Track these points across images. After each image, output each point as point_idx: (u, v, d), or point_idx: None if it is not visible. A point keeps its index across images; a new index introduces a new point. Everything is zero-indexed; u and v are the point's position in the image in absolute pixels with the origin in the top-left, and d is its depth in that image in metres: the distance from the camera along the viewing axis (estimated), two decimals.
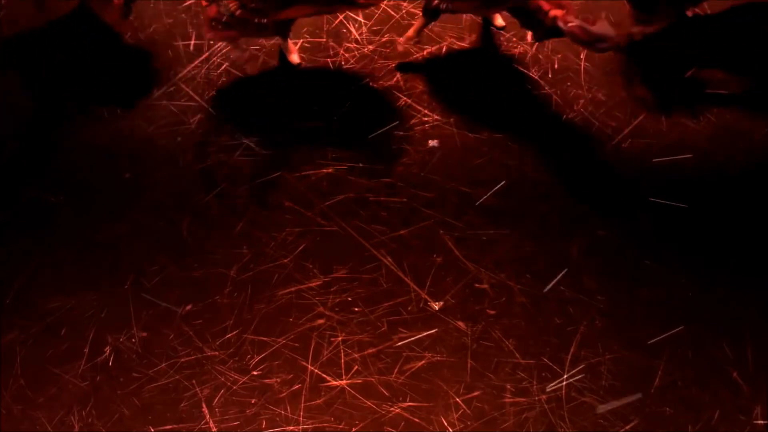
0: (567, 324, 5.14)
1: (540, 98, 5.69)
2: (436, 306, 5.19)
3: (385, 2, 5.85)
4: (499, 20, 5.93)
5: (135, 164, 5.52)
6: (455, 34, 5.94)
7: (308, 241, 5.34)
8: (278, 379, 5.03)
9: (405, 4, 5.97)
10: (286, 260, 5.29)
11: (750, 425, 4.92)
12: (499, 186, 5.45)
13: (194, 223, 5.38)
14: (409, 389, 5.01)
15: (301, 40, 5.87)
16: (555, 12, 5.06)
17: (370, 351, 5.09)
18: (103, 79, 5.73)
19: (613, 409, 4.95)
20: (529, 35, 5.74)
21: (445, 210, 5.41)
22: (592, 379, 5.02)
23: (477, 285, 5.24)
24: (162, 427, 4.93)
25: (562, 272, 5.24)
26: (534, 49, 5.81)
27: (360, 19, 5.89)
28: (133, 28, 5.88)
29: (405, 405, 4.97)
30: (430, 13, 5.57)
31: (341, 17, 5.90)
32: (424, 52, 5.85)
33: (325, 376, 5.03)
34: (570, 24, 5.00)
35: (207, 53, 5.78)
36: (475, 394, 4.99)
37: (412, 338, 5.12)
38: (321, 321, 5.15)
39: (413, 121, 5.65)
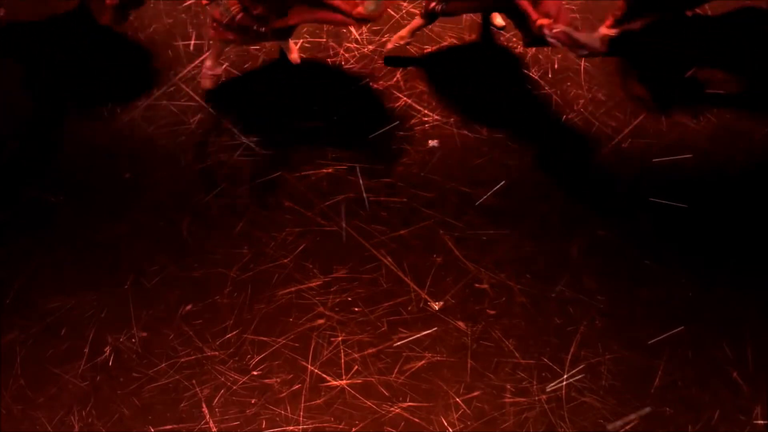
0: (567, 324, 5.14)
1: (540, 98, 5.69)
2: (436, 306, 5.19)
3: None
4: (498, 20, 5.94)
5: (135, 164, 5.52)
6: (455, 34, 5.94)
7: (308, 241, 5.34)
8: (278, 379, 5.03)
9: (405, 4, 5.98)
10: (286, 260, 5.29)
11: (750, 425, 4.92)
12: (499, 186, 5.46)
13: (194, 223, 5.38)
14: (409, 389, 5.01)
15: (301, 40, 5.88)
16: (542, 21, 5.11)
17: (370, 351, 5.09)
18: (103, 79, 5.74)
19: (612, 410, 4.96)
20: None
21: (445, 210, 5.41)
22: (592, 379, 5.02)
23: (477, 285, 5.24)
24: (162, 427, 4.93)
25: (563, 273, 5.25)
26: (534, 49, 5.81)
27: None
28: (133, 28, 5.89)
29: (405, 405, 4.98)
30: (428, 16, 5.59)
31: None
32: (424, 51, 5.85)
33: (325, 376, 5.03)
34: (555, 30, 5.06)
35: (207, 53, 5.78)
36: (475, 394, 4.99)
37: (412, 338, 5.12)
38: (321, 321, 5.15)
39: (413, 121, 5.65)
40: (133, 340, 5.10)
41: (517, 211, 5.40)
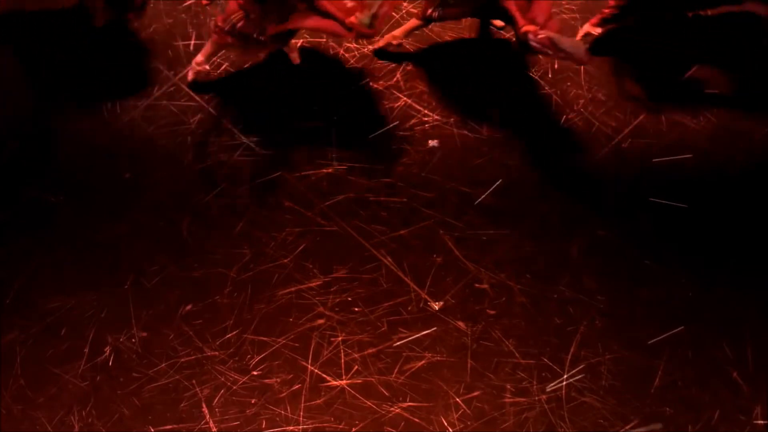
0: (567, 324, 5.14)
1: (540, 98, 5.69)
2: (436, 306, 5.19)
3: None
4: (498, 20, 5.94)
5: (135, 164, 5.52)
6: (455, 34, 5.94)
7: (308, 241, 5.34)
8: (278, 379, 5.03)
9: (405, 4, 5.97)
10: (286, 260, 5.29)
11: (750, 425, 4.92)
12: (498, 186, 5.45)
13: (194, 223, 5.38)
14: (409, 389, 5.01)
15: (301, 40, 5.87)
16: (527, 27, 5.14)
17: (370, 351, 5.09)
18: (104, 78, 5.73)
19: (612, 410, 4.96)
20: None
21: (445, 210, 5.41)
22: (592, 379, 5.02)
23: (477, 285, 5.24)
24: (162, 427, 4.93)
25: (563, 273, 5.24)
26: None
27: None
28: (133, 28, 5.88)
29: (405, 405, 4.98)
30: (425, 20, 5.60)
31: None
32: (424, 51, 5.85)
33: (325, 376, 5.03)
34: (539, 36, 5.09)
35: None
36: (475, 394, 4.99)
37: (412, 338, 5.12)
38: (321, 321, 5.15)
39: (413, 121, 5.65)
40: (133, 340, 5.10)
41: (517, 211, 5.40)
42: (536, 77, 5.73)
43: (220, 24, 5.36)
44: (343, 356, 5.07)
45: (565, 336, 5.11)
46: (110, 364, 5.05)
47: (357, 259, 5.29)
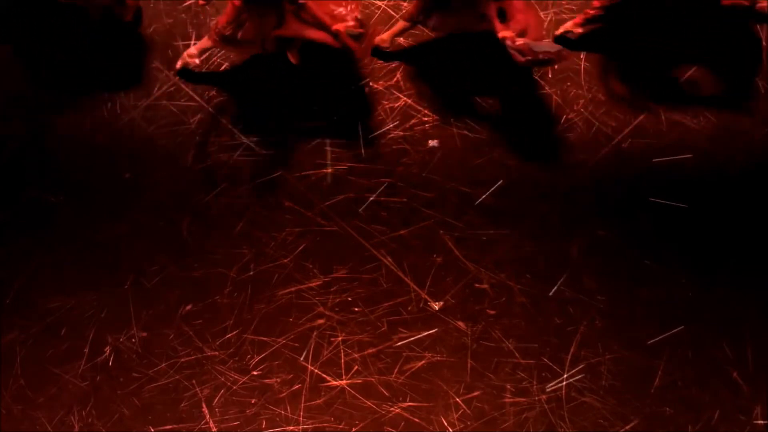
0: (567, 324, 5.14)
1: (540, 98, 5.69)
2: (436, 306, 5.19)
3: (377, 0, 5.86)
4: None
5: (135, 164, 5.52)
6: (455, 34, 5.94)
7: (308, 241, 5.34)
8: (278, 379, 5.03)
9: (405, 4, 5.97)
10: (286, 260, 5.29)
11: (750, 425, 4.92)
12: (498, 186, 5.45)
13: (194, 223, 5.38)
14: (409, 389, 5.01)
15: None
16: (503, 34, 5.23)
17: (370, 351, 5.09)
18: (103, 78, 5.73)
19: (612, 410, 4.96)
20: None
21: (445, 210, 5.41)
22: (592, 379, 5.02)
23: (477, 285, 5.24)
24: (162, 427, 4.93)
25: (563, 273, 5.24)
26: None
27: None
28: (134, 28, 5.88)
29: (405, 405, 4.98)
30: (412, 23, 5.63)
31: None
32: (424, 51, 5.85)
33: (325, 376, 5.03)
34: (518, 42, 5.20)
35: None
36: (475, 394, 4.99)
37: (412, 338, 5.12)
38: (321, 321, 5.15)
39: (413, 121, 5.65)
40: (133, 340, 5.10)
41: (517, 211, 5.40)
42: (536, 77, 5.73)
43: (219, 27, 5.38)
44: (343, 356, 5.07)
45: (565, 336, 5.11)
46: (110, 364, 5.05)
47: (357, 259, 5.29)
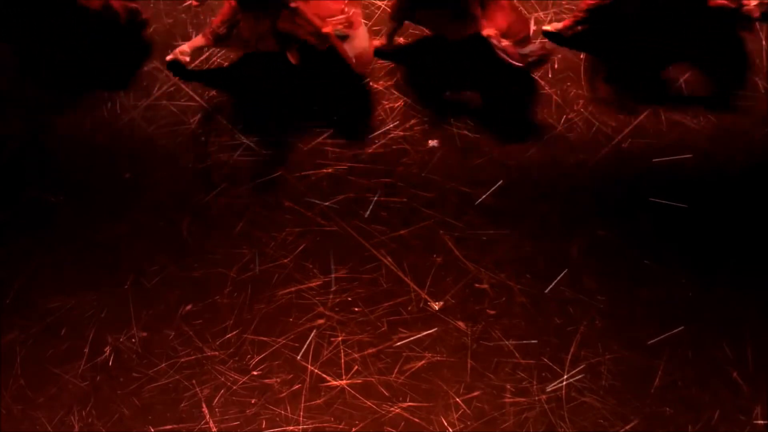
0: (567, 324, 5.14)
1: (540, 98, 5.69)
2: (436, 306, 5.19)
3: (377, 0, 5.86)
4: None
5: (135, 164, 5.52)
6: None
7: (308, 241, 5.34)
8: (278, 379, 5.03)
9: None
10: (286, 260, 5.29)
11: (750, 425, 4.92)
12: (498, 186, 5.45)
13: (194, 223, 5.38)
14: (409, 389, 5.01)
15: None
16: (488, 32, 5.26)
17: (370, 351, 5.09)
18: (103, 78, 5.73)
19: (612, 410, 4.96)
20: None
21: (445, 210, 5.41)
22: (592, 379, 5.02)
23: (477, 285, 5.24)
24: (162, 427, 4.93)
25: (563, 273, 5.24)
26: None
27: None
28: (134, 27, 5.87)
29: (405, 405, 4.98)
30: (396, 20, 5.65)
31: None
32: (424, 50, 5.85)
33: (325, 376, 5.03)
34: (503, 43, 5.26)
35: (207, 53, 5.78)
36: (475, 394, 4.99)
37: (412, 338, 5.12)
38: (321, 321, 5.15)
39: (413, 121, 5.65)
40: (133, 340, 5.10)
41: (517, 211, 5.40)
42: (536, 77, 5.73)
43: (214, 28, 5.41)
44: (343, 356, 5.07)
45: (565, 336, 5.11)
46: (110, 364, 5.05)
47: (357, 259, 5.29)
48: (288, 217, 5.39)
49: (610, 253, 5.29)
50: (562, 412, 4.95)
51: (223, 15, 5.44)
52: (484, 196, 5.43)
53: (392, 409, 4.96)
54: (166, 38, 5.84)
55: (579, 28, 5.67)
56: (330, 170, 5.51)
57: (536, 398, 4.98)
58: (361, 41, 5.44)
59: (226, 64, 5.79)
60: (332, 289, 5.22)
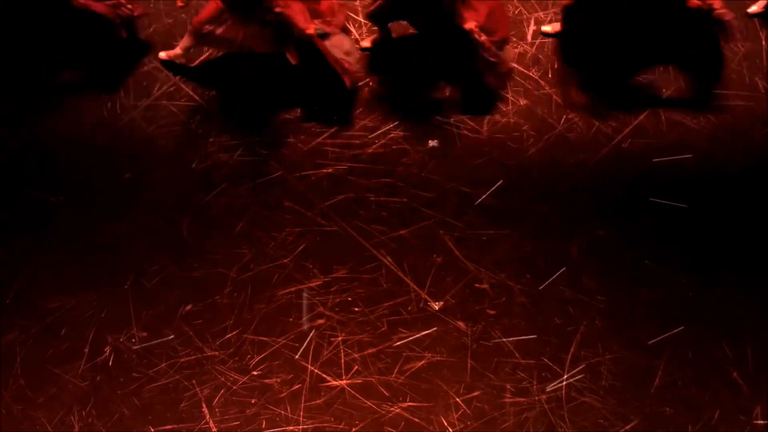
0: (567, 324, 5.14)
1: (540, 98, 5.69)
2: (436, 306, 5.19)
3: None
4: None
5: (135, 164, 5.52)
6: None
7: (308, 241, 5.34)
8: (278, 379, 5.03)
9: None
10: (286, 260, 5.29)
11: (750, 425, 4.92)
12: (498, 186, 5.46)
13: (194, 223, 5.38)
14: (409, 389, 5.01)
15: None
16: (470, 25, 5.30)
17: (370, 351, 5.09)
18: (103, 78, 5.74)
19: (612, 410, 4.96)
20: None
21: (445, 210, 5.41)
22: (592, 379, 5.02)
23: (477, 285, 5.24)
24: (162, 427, 4.94)
25: (560, 271, 5.25)
26: (534, 48, 5.81)
27: (360, 19, 5.89)
28: (134, 27, 5.88)
29: (405, 405, 4.98)
30: (374, 19, 5.67)
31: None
32: (424, 51, 5.85)
33: (325, 376, 5.03)
34: (483, 38, 5.32)
35: (207, 53, 5.78)
36: (475, 394, 5.00)
37: (412, 338, 5.12)
38: (321, 321, 5.15)
39: (413, 121, 5.65)
40: (133, 340, 5.11)
41: (517, 211, 5.40)
42: (536, 77, 5.73)
43: (197, 26, 5.47)
44: (343, 356, 5.07)
45: (565, 336, 5.11)
46: (110, 364, 5.06)
47: (357, 259, 5.29)
48: (288, 217, 5.40)
49: (610, 253, 5.30)
50: (562, 412, 4.95)
51: (207, 14, 5.45)
52: (484, 196, 5.43)
53: (392, 409, 4.96)
54: (166, 38, 5.85)
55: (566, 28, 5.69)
56: (330, 170, 5.52)
57: (536, 398, 4.98)
58: (345, 41, 5.47)
59: (226, 64, 5.79)
60: (332, 289, 5.22)
